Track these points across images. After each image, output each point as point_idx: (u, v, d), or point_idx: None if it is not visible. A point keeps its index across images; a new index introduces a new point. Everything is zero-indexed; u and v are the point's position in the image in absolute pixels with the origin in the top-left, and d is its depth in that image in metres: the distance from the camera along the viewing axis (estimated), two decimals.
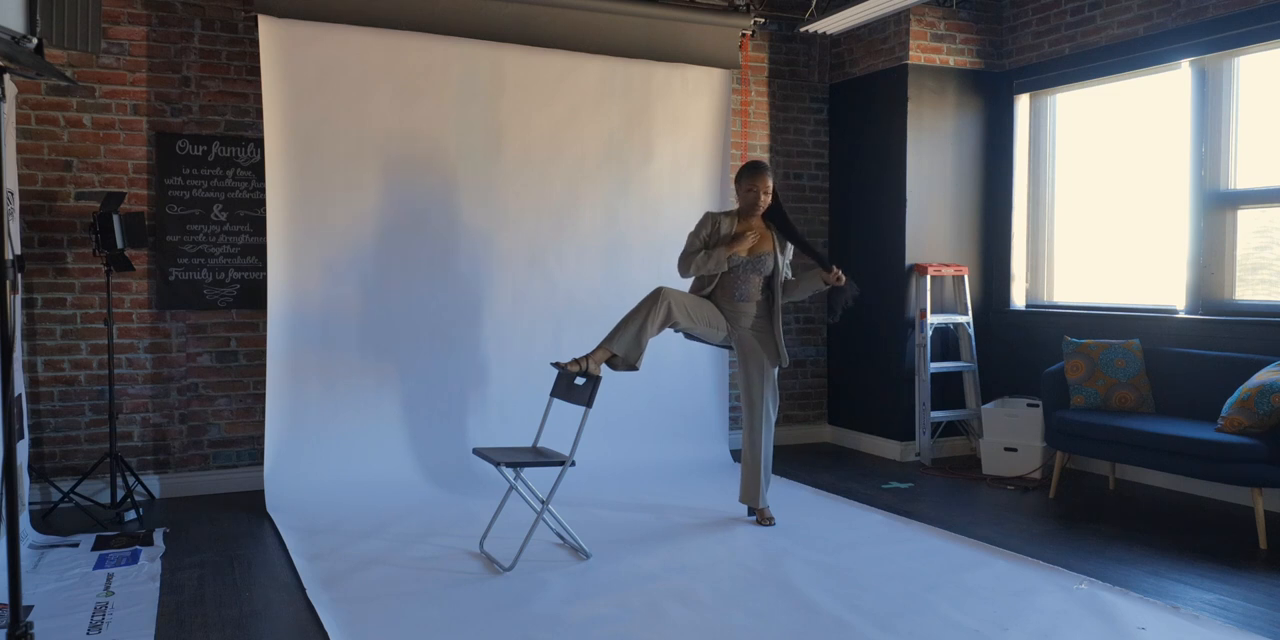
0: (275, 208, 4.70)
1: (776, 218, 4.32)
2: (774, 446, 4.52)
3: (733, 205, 4.67)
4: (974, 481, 5.27)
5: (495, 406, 5.16)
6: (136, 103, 4.75)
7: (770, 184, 4.25)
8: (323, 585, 3.51)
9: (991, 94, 5.95)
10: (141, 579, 3.57)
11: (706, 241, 4.26)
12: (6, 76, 2.81)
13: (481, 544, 3.94)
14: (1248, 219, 4.79)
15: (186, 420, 4.91)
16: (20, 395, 3.87)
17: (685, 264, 4.28)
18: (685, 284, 4.43)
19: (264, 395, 4.76)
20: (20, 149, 4.52)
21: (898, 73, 5.77)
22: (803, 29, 5.72)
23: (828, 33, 5.85)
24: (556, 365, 4.02)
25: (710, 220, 4.30)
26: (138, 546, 3.97)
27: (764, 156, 6.15)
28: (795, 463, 5.69)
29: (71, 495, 4.45)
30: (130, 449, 4.79)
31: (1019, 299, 5.94)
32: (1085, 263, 5.66)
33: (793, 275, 4.42)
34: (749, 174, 4.27)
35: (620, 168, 5.50)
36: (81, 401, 4.70)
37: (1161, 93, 5.17)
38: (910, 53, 5.69)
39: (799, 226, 4.90)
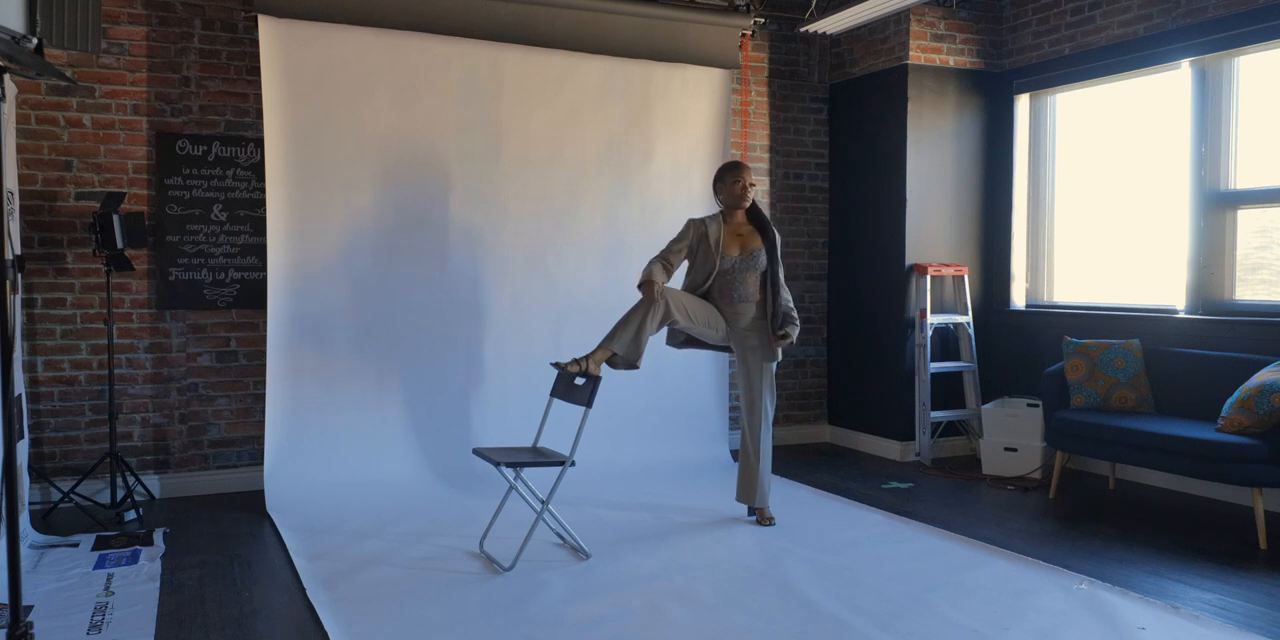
0: (275, 208, 4.70)
1: (755, 217, 4.34)
2: (774, 446, 4.51)
3: None
4: (974, 481, 5.27)
5: (495, 406, 5.16)
6: (136, 103, 4.75)
7: (753, 178, 4.29)
8: (323, 585, 3.51)
9: (991, 94, 5.95)
10: (141, 579, 3.57)
11: (689, 247, 4.26)
12: (6, 76, 2.81)
13: (481, 544, 3.94)
14: (1248, 219, 4.79)
15: (186, 420, 4.91)
16: (20, 395, 3.87)
17: (648, 269, 4.15)
18: (680, 284, 4.42)
19: (264, 395, 4.76)
20: (20, 149, 4.52)
21: (898, 73, 5.77)
22: (803, 29, 5.71)
23: (828, 33, 5.85)
24: (556, 365, 4.02)
25: (693, 226, 4.30)
26: (138, 546, 3.97)
27: (764, 156, 6.15)
28: (795, 463, 5.69)
29: (71, 495, 4.45)
30: (130, 449, 4.79)
31: (1019, 299, 5.94)
32: (1085, 263, 5.66)
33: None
34: (731, 169, 4.30)
35: (620, 168, 5.50)
36: (81, 401, 4.70)
37: (1161, 93, 5.17)
38: (910, 53, 5.69)
39: (785, 239, 4.84)
